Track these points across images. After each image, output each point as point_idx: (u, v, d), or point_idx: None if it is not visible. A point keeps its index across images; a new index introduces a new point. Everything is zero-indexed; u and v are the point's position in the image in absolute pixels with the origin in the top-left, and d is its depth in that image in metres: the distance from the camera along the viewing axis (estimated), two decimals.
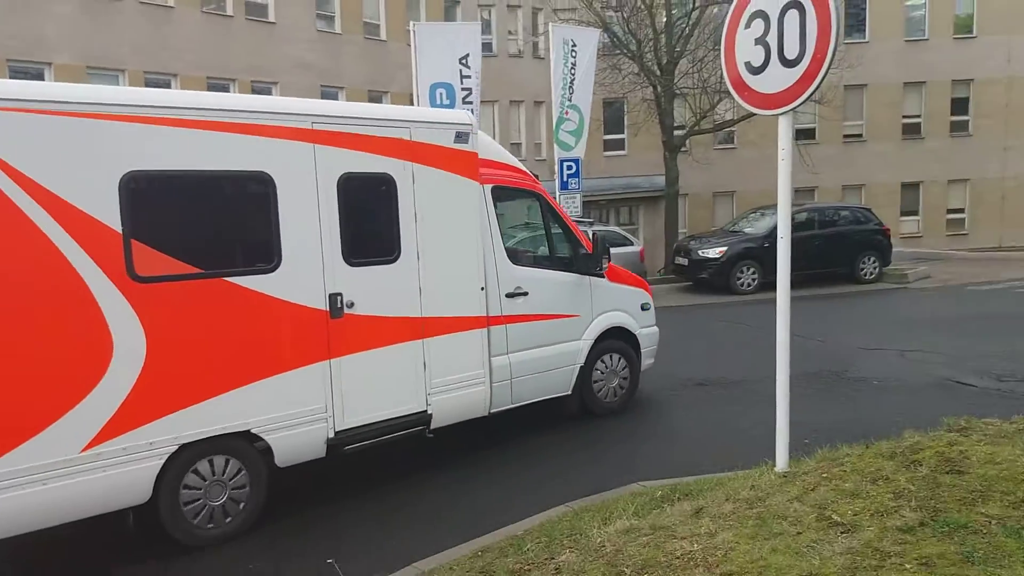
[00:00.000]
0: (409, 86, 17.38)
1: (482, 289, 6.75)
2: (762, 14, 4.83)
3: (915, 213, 31.15)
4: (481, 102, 17.50)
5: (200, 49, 20.94)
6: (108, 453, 4.75)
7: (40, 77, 18.10)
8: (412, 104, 17.03)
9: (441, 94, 16.89)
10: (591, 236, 7.92)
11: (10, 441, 4.44)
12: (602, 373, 7.92)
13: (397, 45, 23.75)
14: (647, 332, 8.34)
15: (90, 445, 4.70)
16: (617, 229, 19.45)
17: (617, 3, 22.15)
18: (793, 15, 4.63)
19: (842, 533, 3.40)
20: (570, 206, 18.14)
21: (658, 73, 21.79)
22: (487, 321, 6.79)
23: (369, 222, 6.11)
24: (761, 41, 4.84)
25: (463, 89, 16.68)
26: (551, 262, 7.59)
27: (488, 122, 26.99)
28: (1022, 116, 30.89)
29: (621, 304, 8.08)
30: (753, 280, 17.49)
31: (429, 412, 6.33)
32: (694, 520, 3.95)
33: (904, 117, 30.79)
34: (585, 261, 7.70)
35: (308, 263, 5.62)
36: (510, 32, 28.40)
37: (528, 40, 28.17)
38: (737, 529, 3.65)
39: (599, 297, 7.84)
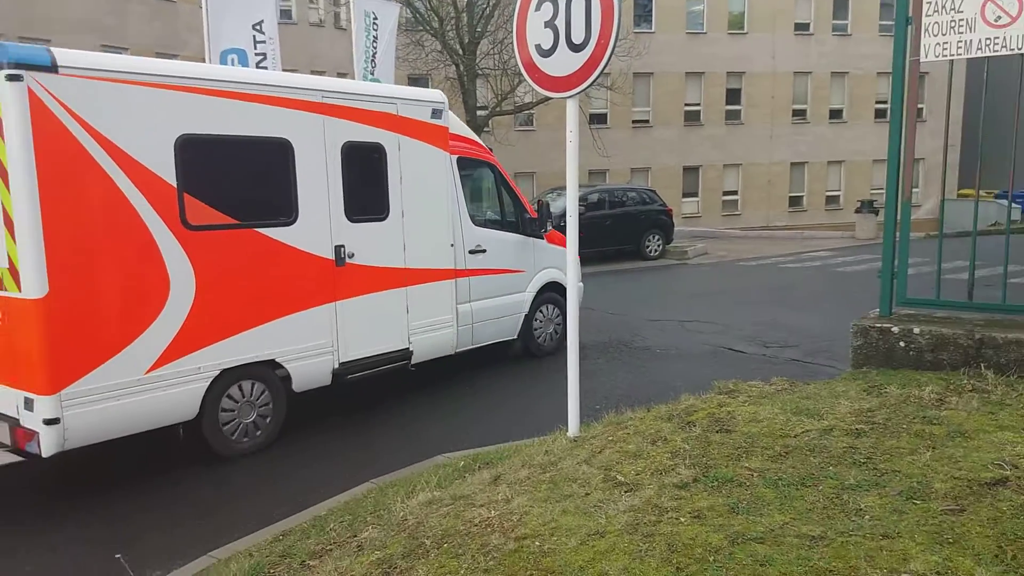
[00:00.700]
0: (201, 50, 16.34)
1: (451, 246, 7.98)
2: None
3: (695, 195, 33.67)
4: (281, 71, 16.78)
5: None
6: (166, 375, 5.66)
7: None
8: None
9: (233, 60, 16.04)
10: (536, 204, 9.35)
11: (92, 362, 5.28)
12: (540, 321, 9.33)
13: (188, 6, 22.19)
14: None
15: (152, 368, 5.58)
16: None
17: None
18: (579, 1, 4.82)
19: (626, 492, 3.65)
20: None
21: (460, 52, 21.97)
22: (455, 273, 8.03)
23: (365, 185, 7.10)
24: (551, 24, 5.00)
25: (257, 55, 15.92)
26: (503, 224, 8.91)
27: None
28: (786, 108, 34.20)
29: (556, 262, 9.25)
30: None
31: (411, 349, 7.53)
32: (492, 487, 4.09)
33: (686, 105, 33.08)
34: (530, 224, 9.11)
35: (319, 218, 6.65)
36: (311, 0, 27.46)
37: (330, 9, 27.38)
38: (531, 493, 3.82)
39: (540, 255, 9.22)
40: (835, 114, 35.43)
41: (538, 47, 5.10)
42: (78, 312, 5.21)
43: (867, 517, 3.24)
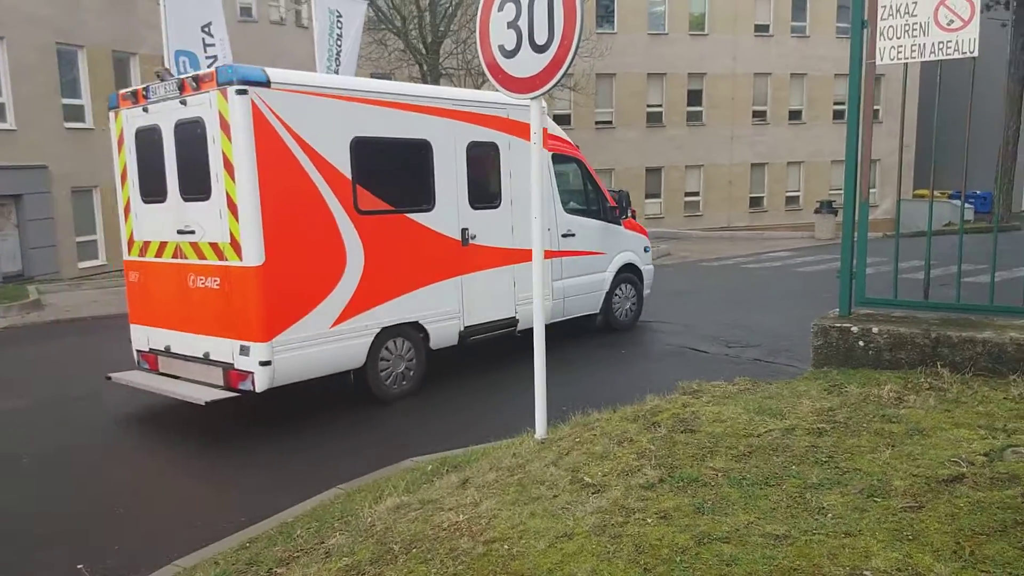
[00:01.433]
0: (160, 48, 16.06)
1: (549, 230, 9.13)
2: None
3: (657, 195, 33.98)
4: None
5: None
6: (343, 330, 7.08)
7: None
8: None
9: (184, 63, 15.80)
10: (616, 194, 10.56)
11: (293, 317, 6.65)
12: (619, 298, 10.63)
13: (147, 3, 21.79)
14: (647, 269, 11.15)
15: (334, 324, 7.00)
16: None
17: None
18: (542, 1, 4.81)
19: (593, 493, 3.67)
20: None
21: (424, 51, 21.90)
22: (551, 254, 9.23)
23: (483, 178, 8.48)
24: (513, 25, 5.01)
25: (207, 57, 15.72)
26: (588, 212, 10.10)
27: None
28: (745, 110, 34.63)
29: (631, 246, 10.76)
30: None
31: (516, 318, 8.85)
32: (460, 491, 4.08)
33: (648, 106, 33.37)
34: (610, 212, 10.37)
35: (450, 205, 8.03)
36: None
37: (291, 7, 27.07)
38: (500, 497, 3.82)
39: (618, 240, 10.53)
40: (794, 115, 35.98)
41: (501, 48, 5.11)
42: (284, 278, 6.62)
43: (829, 515, 3.29)
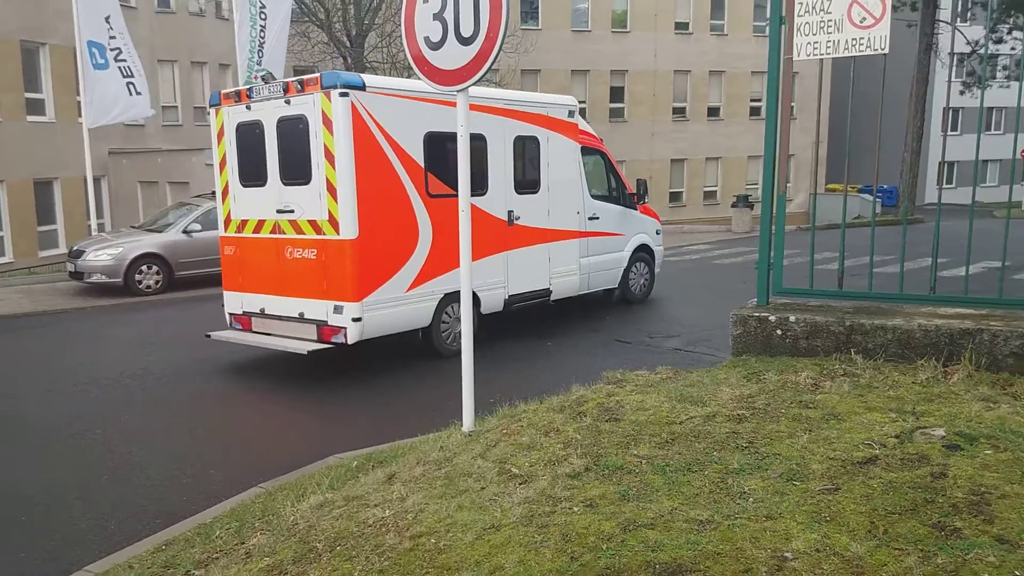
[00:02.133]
0: (71, 39, 15.34)
1: (578, 213, 10.55)
2: None
3: None
4: (158, 61, 16.05)
5: None
6: (415, 295, 8.29)
7: None
8: (76, 59, 16.13)
9: (96, 54, 15.19)
10: (635, 182, 12.01)
11: (378, 282, 7.86)
12: (634, 275, 11.90)
13: None
14: (659, 250, 12.52)
15: (408, 289, 8.21)
16: None
17: None
18: None
19: (520, 484, 3.67)
20: None
21: (348, 44, 21.54)
22: (579, 234, 10.58)
23: (526, 167, 9.73)
24: (439, 16, 4.95)
25: (112, 49, 15.19)
26: (610, 198, 11.41)
27: (168, 83, 24.74)
28: (666, 106, 35.25)
29: (646, 228, 12.07)
30: None
31: (551, 289, 10.19)
32: (387, 486, 4.02)
33: None
34: (628, 197, 11.73)
35: (499, 191, 9.27)
36: None
37: None
38: (427, 491, 3.78)
39: (635, 223, 11.81)
40: (713, 112, 36.80)
41: (427, 40, 5.04)
42: (372, 249, 7.81)
43: (751, 500, 3.36)
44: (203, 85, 25.60)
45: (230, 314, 8.93)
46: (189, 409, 7.28)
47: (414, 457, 4.51)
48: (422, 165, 8.28)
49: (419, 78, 5.27)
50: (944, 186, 46.80)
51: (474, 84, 5.02)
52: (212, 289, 14.42)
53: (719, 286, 13.57)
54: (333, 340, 7.83)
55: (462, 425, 5.04)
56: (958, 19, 29.56)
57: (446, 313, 8.73)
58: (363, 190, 7.66)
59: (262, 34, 17.01)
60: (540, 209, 9.88)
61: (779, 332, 5.40)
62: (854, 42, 5.24)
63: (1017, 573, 2.63)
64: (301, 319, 8.11)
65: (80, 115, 16.76)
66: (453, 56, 4.95)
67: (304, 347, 7.87)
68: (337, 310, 7.75)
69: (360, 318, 7.74)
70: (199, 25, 25.81)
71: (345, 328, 7.72)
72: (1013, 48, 30.31)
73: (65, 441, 6.38)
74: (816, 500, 3.28)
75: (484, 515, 3.40)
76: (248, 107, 8.36)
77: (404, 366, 8.52)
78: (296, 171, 7.97)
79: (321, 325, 7.91)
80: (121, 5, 16.64)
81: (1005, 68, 33.31)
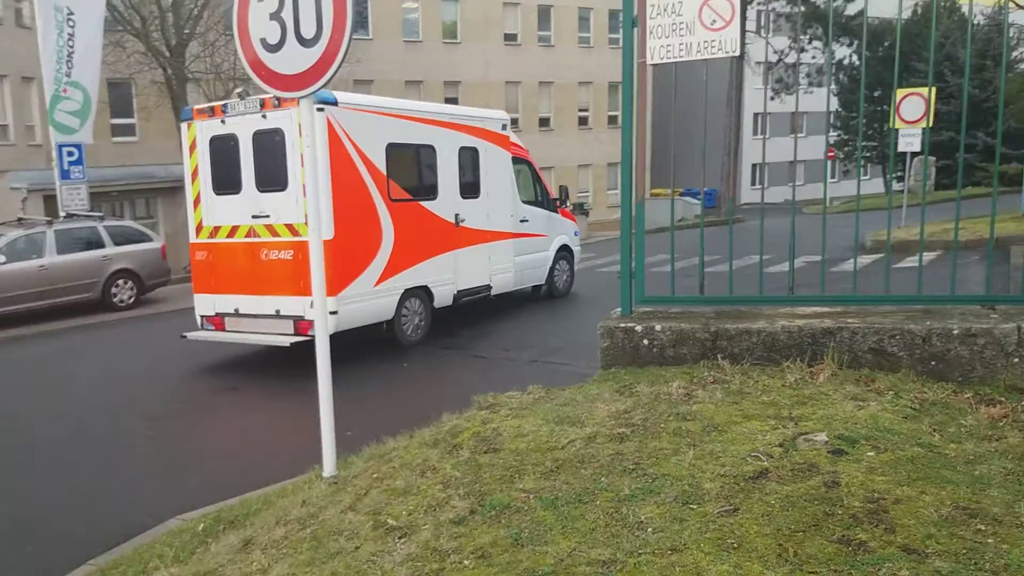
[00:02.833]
0: None
1: (511, 216, 11.63)
2: None
3: None
4: None
5: None
6: (381, 290, 9.19)
7: None
8: None
9: None
10: (557, 189, 13.58)
11: (349, 278, 8.76)
12: (558, 272, 13.14)
13: None
14: (577, 249, 13.90)
15: (375, 284, 9.10)
16: (133, 224, 17.27)
17: None
18: None
19: (400, 538, 3.26)
20: (74, 199, 15.76)
21: (167, 54, 20.06)
22: (513, 235, 11.66)
23: (469, 174, 10.67)
24: (276, 16, 4.49)
25: None
26: (536, 202, 12.55)
27: None
28: None
29: (566, 230, 13.40)
30: None
31: (491, 285, 11.17)
32: (243, 555, 3.49)
33: None
34: (551, 202, 13.04)
35: (448, 195, 10.22)
36: None
37: (10, 4, 23.68)
38: (292, 557, 3.29)
39: (557, 225, 13.11)
40: (544, 122, 37.50)
41: (263, 42, 4.56)
42: (345, 248, 8.60)
43: (650, 530, 3.14)
44: (3, 100, 23.01)
45: (202, 316, 9.53)
46: None
47: (272, 515, 3.98)
48: (384, 172, 9.24)
49: (258, 84, 4.76)
50: (758, 187, 50.21)
51: (320, 89, 4.57)
52: (22, 328, 12.94)
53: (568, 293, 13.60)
54: (309, 333, 8.20)
55: (322, 469, 4.57)
56: (763, 31, 31.67)
57: (405, 307, 9.69)
58: (337, 195, 8.50)
59: (70, 43, 15.52)
60: (481, 212, 10.93)
61: (646, 342, 5.28)
62: (706, 44, 5.21)
63: None
64: (277, 316, 8.80)
65: None
66: (294, 59, 4.49)
67: (285, 340, 8.61)
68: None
69: (336, 311, 8.48)
70: None
71: None
72: (814, 56, 32.84)
73: None
74: (718, 525, 3.10)
75: None
76: (223, 121, 9.06)
77: (260, 389, 7.81)
78: (272, 179, 8.74)
79: (298, 320, 8.65)
80: None
81: (808, 76, 36.07)
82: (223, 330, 9.26)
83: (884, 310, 5.13)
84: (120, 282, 14.93)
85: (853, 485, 3.29)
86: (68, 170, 15.95)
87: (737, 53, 5.23)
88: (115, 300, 14.88)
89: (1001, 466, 3.44)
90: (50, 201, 18.08)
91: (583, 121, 38.95)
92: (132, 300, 15.12)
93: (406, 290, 9.57)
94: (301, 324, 8.56)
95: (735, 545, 2.92)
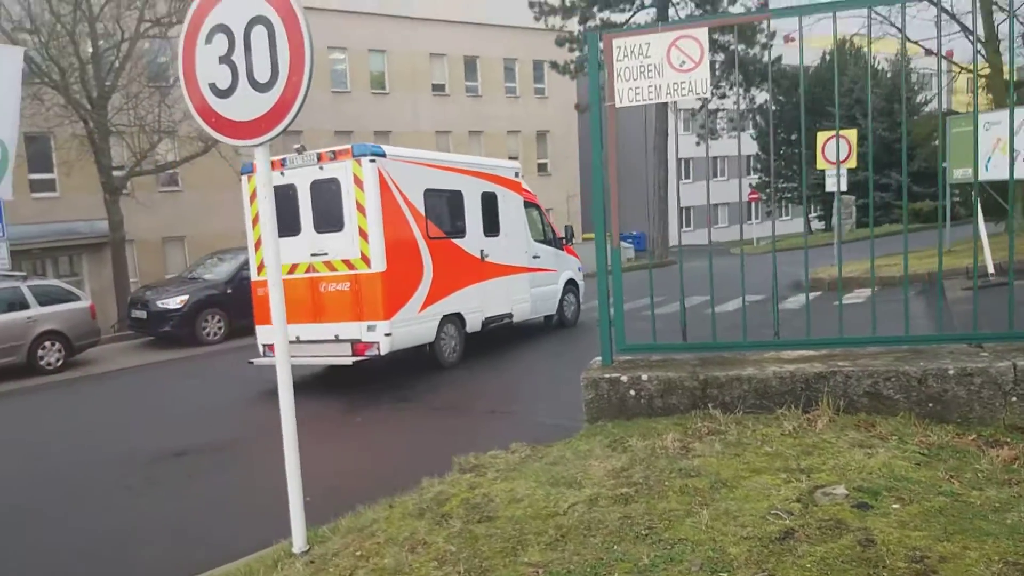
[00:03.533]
0: None
1: (526, 252, 12.92)
2: (224, 28, 4.12)
3: None
4: None
5: None
6: (424, 316, 10.52)
7: None
8: None
9: None
10: (563, 228, 14.89)
11: (399, 306, 10.05)
12: (566, 304, 14.26)
13: None
14: (582, 284, 14.78)
15: (419, 311, 10.43)
16: (58, 283, 16.29)
17: (32, 25, 18.82)
18: (260, 32, 4.03)
19: None
20: None
21: (88, 107, 19.22)
22: (528, 270, 12.88)
23: (490, 216, 12.05)
24: (227, 60, 4.15)
25: None
26: (545, 241, 13.80)
27: None
28: None
29: (571, 266, 14.55)
30: (219, 329, 16.46)
31: (512, 313, 12.41)
32: None
33: None
34: (558, 241, 14.28)
35: (474, 234, 11.64)
36: None
37: None
38: None
39: (563, 261, 14.30)
40: None
41: (213, 87, 4.21)
42: (395, 279, 9.92)
43: None
44: None
45: (263, 345, 10.71)
46: None
47: None
48: (423, 214, 10.55)
49: (207, 132, 4.40)
50: (684, 229, 51.23)
51: (278, 136, 4.24)
52: None
53: (503, 335, 13.27)
54: (367, 354, 9.82)
55: (292, 545, 4.14)
56: None
57: (443, 331, 10.88)
58: (387, 233, 9.79)
59: None
60: (501, 249, 12.13)
61: (633, 393, 5.04)
62: (676, 86, 5.10)
63: None
64: (336, 340, 10.01)
65: None
66: (248, 105, 4.15)
67: (347, 360, 9.92)
68: (370, 328, 9.81)
69: (391, 333, 9.79)
70: None
71: (378, 342, 9.76)
72: (735, 102, 33.82)
73: None
74: None
75: None
76: (282, 173, 10.16)
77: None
78: (329, 221, 10.00)
79: (355, 343, 9.89)
80: None
81: (731, 120, 37.15)
82: None
83: (871, 351, 5.01)
84: (47, 344, 14.00)
85: (891, 543, 3.07)
86: None
87: (707, 95, 5.13)
88: (42, 363, 13.94)
89: None
90: None
91: None
92: (60, 363, 14.17)
93: (444, 316, 10.81)
94: (358, 346, 9.88)
95: None
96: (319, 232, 10.08)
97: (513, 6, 34.24)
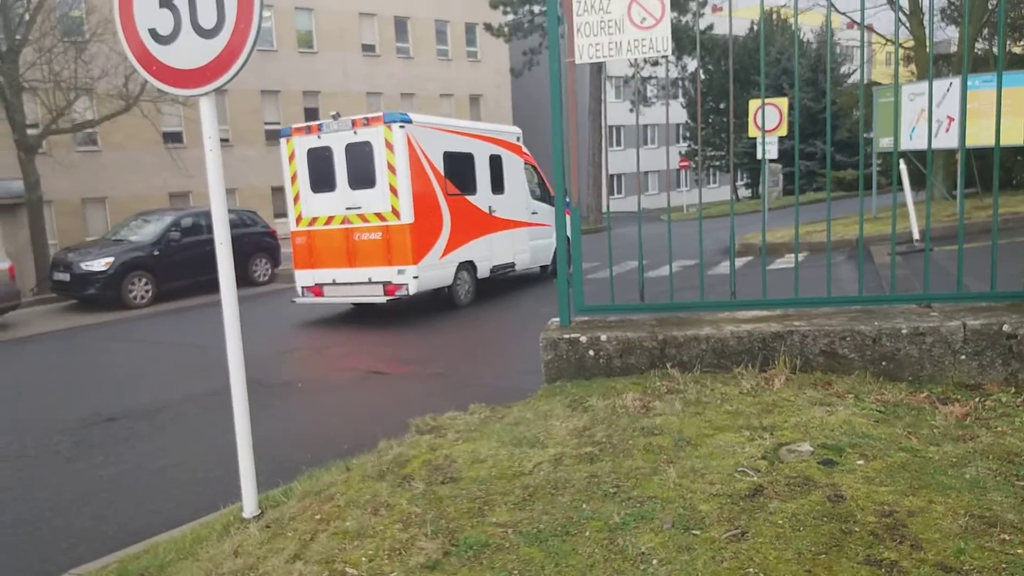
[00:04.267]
0: None
1: (526, 208, 14.32)
2: None
3: (286, 215, 32.46)
4: None
5: None
6: (444, 262, 12.08)
7: None
8: None
9: None
10: (548, 186, 14.87)
11: (424, 253, 11.56)
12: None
13: None
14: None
15: (440, 258, 11.97)
16: None
17: None
18: None
19: None
20: None
21: None
22: (528, 224, 14.30)
23: (496, 175, 13.54)
24: (168, 4, 3.89)
25: None
26: (541, 198, 14.78)
27: None
28: None
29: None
30: (147, 292, 15.87)
31: (514, 263, 13.96)
32: None
33: (266, 123, 31.86)
34: (551, 198, 13.71)
35: (483, 191, 13.14)
36: None
37: None
38: None
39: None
40: None
41: (153, 32, 3.93)
42: (421, 230, 11.45)
43: (655, 562, 2.84)
44: None
45: (302, 287, 12.23)
46: None
47: (199, 569, 3.39)
48: (443, 173, 11.98)
49: (147, 80, 4.13)
50: (614, 196, 51.66)
51: (225, 85, 4.00)
52: None
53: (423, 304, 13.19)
54: (397, 294, 11.36)
55: (242, 509, 3.99)
56: None
57: (459, 277, 12.41)
58: (414, 190, 11.22)
59: None
60: (506, 205, 13.58)
61: (592, 353, 5.01)
62: (636, 43, 5.02)
63: None
64: (369, 282, 11.57)
65: None
66: (191, 52, 3.90)
67: (381, 298, 11.45)
68: (400, 272, 11.31)
69: (418, 276, 11.31)
70: None
71: (407, 284, 11.26)
72: (668, 70, 34.05)
73: None
74: (731, 552, 2.83)
75: None
76: (319, 136, 11.77)
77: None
78: (363, 179, 11.43)
79: (387, 284, 11.42)
80: None
81: (663, 88, 37.39)
82: (321, 296, 12.08)
83: (825, 311, 5.09)
84: None
85: (859, 498, 3.11)
86: None
87: (668, 53, 5.06)
88: None
89: (987, 467, 3.37)
90: None
91: None
92: None
93: (460, 263, 12.34)
94: (389, 287, 11.40)
95: (758, 574, 2.66)
96: (353, 189, 11.52)
97: None
